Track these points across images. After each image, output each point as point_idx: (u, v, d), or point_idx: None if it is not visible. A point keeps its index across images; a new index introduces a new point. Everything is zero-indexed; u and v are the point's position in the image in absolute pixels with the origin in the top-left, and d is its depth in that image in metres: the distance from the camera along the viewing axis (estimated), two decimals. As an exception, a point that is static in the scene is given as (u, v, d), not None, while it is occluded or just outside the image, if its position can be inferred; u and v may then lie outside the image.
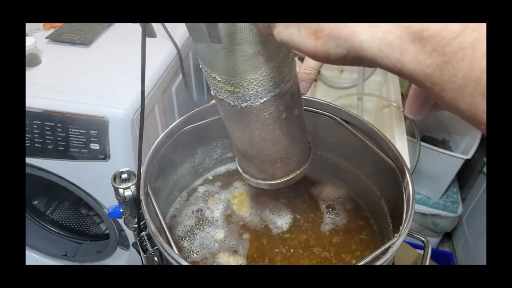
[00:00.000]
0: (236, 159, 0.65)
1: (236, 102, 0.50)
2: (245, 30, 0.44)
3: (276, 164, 0.59)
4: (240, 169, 0.64)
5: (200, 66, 0.51)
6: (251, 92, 0.49)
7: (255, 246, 0.67)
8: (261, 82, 0.49)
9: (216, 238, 0.68)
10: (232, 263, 0.64)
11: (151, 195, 0.57)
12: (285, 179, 0.61)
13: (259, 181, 0.62)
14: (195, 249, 0.66)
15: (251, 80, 0.48)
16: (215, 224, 0.70)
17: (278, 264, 0.65)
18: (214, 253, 0.65)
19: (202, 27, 0.44)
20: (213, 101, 0.72)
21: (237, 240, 0.68)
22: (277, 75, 0.49)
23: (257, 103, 0.50)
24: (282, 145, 0.57)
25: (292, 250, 0.67)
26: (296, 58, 0.57)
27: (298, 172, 0.62)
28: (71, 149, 0.88)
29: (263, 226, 0.71)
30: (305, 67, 0.60)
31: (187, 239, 0.67)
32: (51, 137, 0.88)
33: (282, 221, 0.72)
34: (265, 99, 0.50)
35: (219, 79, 0.49)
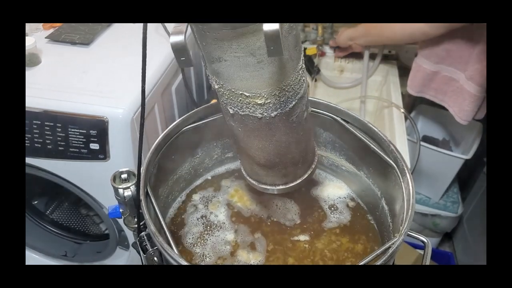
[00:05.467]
0: (248, 173, 0.64)
1: (266, 114, 0.50)
2: (286, 37, 0.44)
3: (298, 165, 0.60)
4: (254, 182, 0.63)
5: (216, 88, 0.50)
6: (282, 100, 0.49)
7: (269, 242, 0.68)
8: (291, 87, 0.49)
9: (228, 240, 0.68)
10: (252, 260, 0.65)
11: (151, 195, 0.57)
12: (305, 176, 0.62)
13: (280, 186, 0.62)
14: (208, 254, 0.66)
15: (283, 87, 0.48)
16: (223, 227, 0.70)
17: (294, 257, 0.65)
18: (229, 254, 0.66)
19: (255, 44, 0.43)
20: (213, 101, 0.72)
21: (250, 237, 0.68)
22: (301, 76, 0.50)
23: (287, 109, 0.50)
24: (303, 144, 0.58)
25: (303, 245, 0.67)
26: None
27: (313, 166, 0.63)
28: (71, 149, 0.88)
29: (270, 222, 0.71)
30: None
31: (199, 245, 0.67)
32: (51, 137, 0.88)
33: (290, 214, 0.72)
34: (294, 103, 0.50)
35: (247, 94, 0.48)
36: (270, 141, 0.54)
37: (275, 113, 0.50)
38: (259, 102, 0.48)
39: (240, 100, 0.49)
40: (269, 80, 0.47)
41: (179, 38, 0.41)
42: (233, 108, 0.51)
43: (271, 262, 0.65)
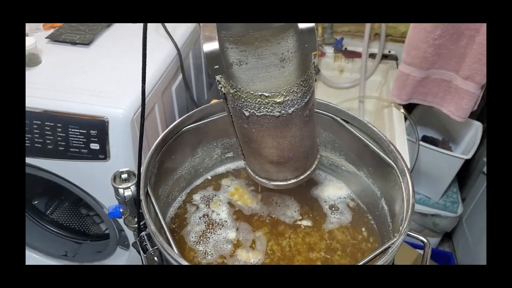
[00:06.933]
0: (256, 172, 0.64)
1: (283, 111, 0.50)
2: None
3: (308, 157, 0.60)
4: (264, 180, 0.63)
5: (232, 92, 0.49)
6: (299, 95, 0.49)
7: (270, 240, 0.68)
8: (307, 81, 0.49)
9: (229, 238, 0.68)
10: (252, 259, 0.65)
11: (151, 195, 0.57)
12: (313, 167, 0.63)
13: (292, 180, 0.62)
14: (210, 251, 0.66)
15: (300, 83, 0.48)
16: (225, 226, 0.70)
17: (296, 255, 0.66)
18: (230, 253, 0.66)
19: (279, 44, 0.43)
20: (213, 101, 0.72)
21: (251, 235, 0.69)
22: (313, 70, 0.50)
23: (302, 104, 0.50)
24: (313, 136, 0.59)
25: (301, 242, 0.67)
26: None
27: (318, 156, 0.64)
28: (71, 149, 0.88)
29: (271, 219, 0.71)
30: None
31: (201, 243, 0.67)
32: (51, 137, 0.88)
33: (290, 211, 0.73)
34: (308, 96, 0.51)
35: (267, 95, 0.48)
36: (285, 137, 0.54)
37: (292, 109, 0.50)
38: (278, 100, 0.48)
39: (259, 101, 0.49)
40: (289, 78, 0.47)
41: (214, 46, 0.40)
42: (249, 110, 0.50)
43: (272, 260, 0.65)
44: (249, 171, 0.65)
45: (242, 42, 0.43)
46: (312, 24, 0.40)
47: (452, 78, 1.14)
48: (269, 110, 0.50)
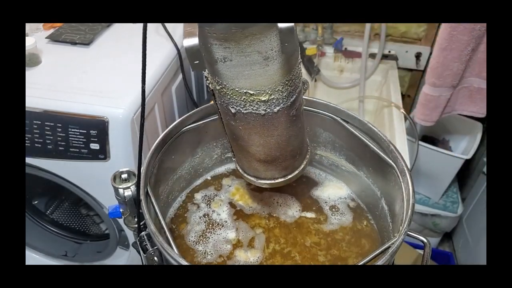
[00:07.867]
0: (245, 169, 0.64)
1: (269, 110, 0.50)
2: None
3: (296, 157, 0.61)
4: (252, 178, 0.64)
5: (218, 88, 0.49)
6: (284, 94, 0.50)
7: (269, 239, 0.68)
8: (293, 81, 0.49)
9: (229, 238, 0.68)
10: (250, 258, 0.65)
11: (151, 195, 0.57)
12: (302, 167, 0.63)
13: (280, 179, 0.62)
14: (209, 251, 0.66)
15: (286, 82, 0.49)
16: (225, 226, 0.70)
17: (293, 256, 0.66)
18: (230, 252, 0.66)
19: (263, 42, 0.43)
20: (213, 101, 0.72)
21: (250, 233, 0.69)
22: (300, 70, 0.50)
23: (288, 103, 0.51)
24: (301, 136, 0.59)
25: (302, 241, 0.67)
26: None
27: (307, 156, 0.64)
28: (71, 149, 0.88)
29: (272, 218, 0.71)
30: None
31: (201, 243, 0.67)
32: (51, 137, 0.88)
33: (291, 211, 0.73)
34: (294, 96, 0.51)
35: (252, 92, 0.48)
36: (272, 136, 0.54)
37: (277, 108, 0.50)
38: (263, 99, 0.49)
39: (244, 98, 0.49)
40: (274, 76, 0.47)
41: (194, 41, 0.41)
42: (235, 107, 0.51)
43: (272, 260, 0.65)
44: (238, 168, 0.65)
45: (225, 39, 0.43)
46: (291, 24, 0.40)
47: (472, 82, 1.15)
48: (255, 108, 0.50)
